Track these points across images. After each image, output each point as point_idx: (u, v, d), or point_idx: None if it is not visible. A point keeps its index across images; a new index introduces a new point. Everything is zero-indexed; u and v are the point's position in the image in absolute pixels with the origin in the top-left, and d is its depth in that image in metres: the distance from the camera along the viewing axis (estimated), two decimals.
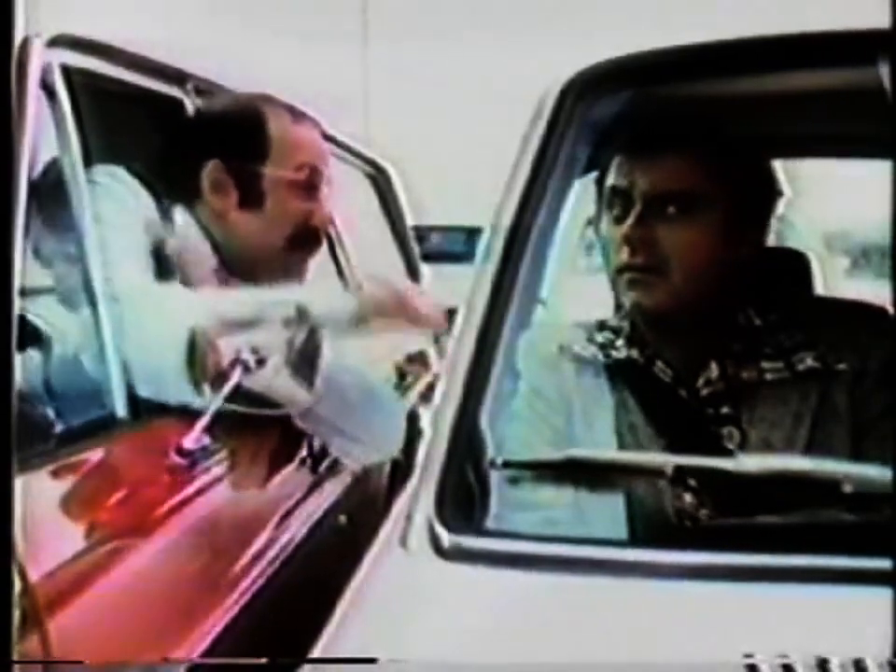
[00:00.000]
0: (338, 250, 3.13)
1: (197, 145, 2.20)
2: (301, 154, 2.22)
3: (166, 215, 2.11)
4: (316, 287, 2.28)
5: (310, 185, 2.21)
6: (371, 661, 1.14)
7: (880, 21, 1.37)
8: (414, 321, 2.23)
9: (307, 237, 2.25)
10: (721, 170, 1.65)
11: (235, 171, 2.17)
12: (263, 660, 1.48)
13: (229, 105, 2.29)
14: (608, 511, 1.50)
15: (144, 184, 2.08)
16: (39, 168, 1.81)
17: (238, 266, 2.18)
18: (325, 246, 3.05)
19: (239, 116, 2.22)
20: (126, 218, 2.00)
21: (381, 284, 2.27)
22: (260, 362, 1.77)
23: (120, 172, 2.05)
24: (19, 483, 1.29)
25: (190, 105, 2.29)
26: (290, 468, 2.24)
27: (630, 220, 1.64)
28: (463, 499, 1.36)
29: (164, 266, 2.03)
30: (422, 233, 4.56)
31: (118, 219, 1.96)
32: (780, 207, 1.77)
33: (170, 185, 2.13)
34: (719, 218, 1.65)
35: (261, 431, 2.04)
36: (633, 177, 1.65)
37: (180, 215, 2.13)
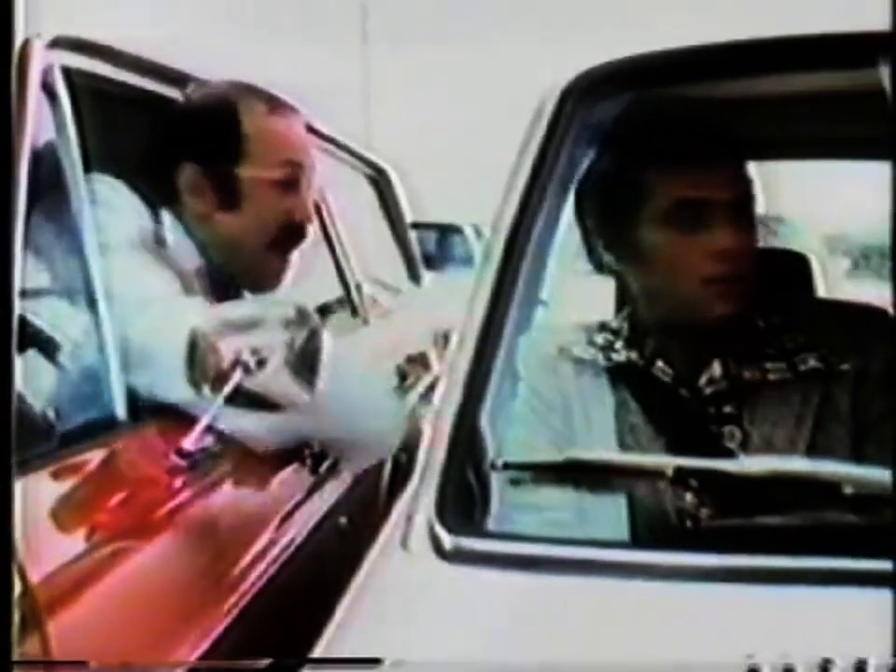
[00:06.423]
0: (338, 252, 3.13)
1: (171, 146, 2.15)
2: (280, 151, 2.15)
3: (157, 219, 2.10)
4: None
5: (291, 181, 2.16)
6: (376, 661, 1.14)
7: (880, 22, 1.37)
8: None
9: (290, 234, 2.20)
10: (718, 173, 1.65)
11: (211, 173, 2.12)
12: (266, 661, 1.48)
13: (202, 101, 2.20)
14: (609, 513, 1.50)
15: (133, 189, 2.08)
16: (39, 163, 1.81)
17: (223, 266, 2.16)
18: (326, 249, 3.07)
19: (212, 114, 2.16)
20: (121, 225, 1.99)
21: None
22: (261, 363, 1.77)
23: (110, 179, 2.04)
24: (19, 485, 1.29)
25: None
26: (291, 469, 2.24)
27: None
28: (464, 501, 1.36)
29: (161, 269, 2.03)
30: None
31: (113, 226, 1.96)
32: (777, 209, 1.77)
33: (152, 188, 2.11)
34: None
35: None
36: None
37: (167, 217, 2.12)
